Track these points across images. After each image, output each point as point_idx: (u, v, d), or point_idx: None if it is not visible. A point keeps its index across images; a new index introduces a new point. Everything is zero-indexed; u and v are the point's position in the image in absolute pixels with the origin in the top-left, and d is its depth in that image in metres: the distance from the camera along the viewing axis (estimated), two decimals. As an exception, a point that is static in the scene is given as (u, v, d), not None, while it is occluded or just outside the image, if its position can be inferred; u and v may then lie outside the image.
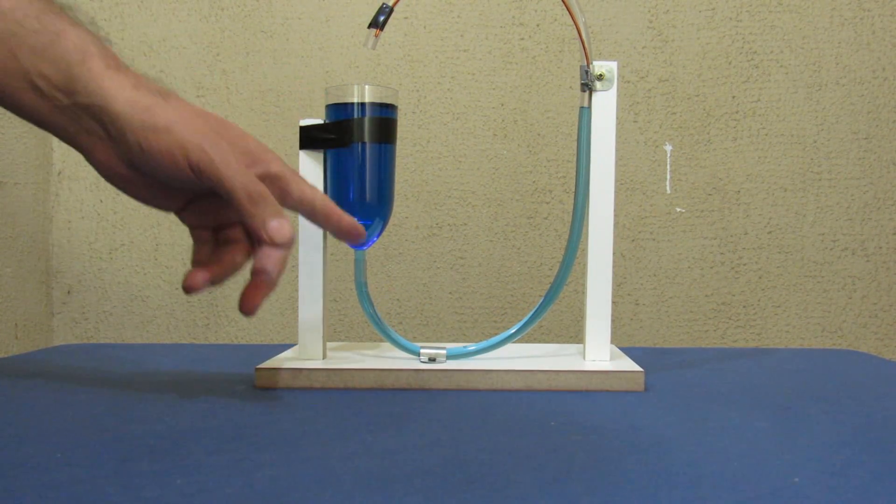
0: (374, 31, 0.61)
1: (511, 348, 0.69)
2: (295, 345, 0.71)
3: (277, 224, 0.49)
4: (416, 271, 0.99)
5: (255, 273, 0.51)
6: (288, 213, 0.52)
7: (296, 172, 0.53)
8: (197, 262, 0.53)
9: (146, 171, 0.49)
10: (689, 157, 0.98)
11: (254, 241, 0.52)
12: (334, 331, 0.99)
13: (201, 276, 0.50)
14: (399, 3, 0.61)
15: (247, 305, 0.50)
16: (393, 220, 0.98)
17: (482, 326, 0.99)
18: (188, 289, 0.50)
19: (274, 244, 0.49)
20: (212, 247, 0.53)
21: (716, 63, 0.97)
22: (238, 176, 0.48)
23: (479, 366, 0.63)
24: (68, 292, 1.01)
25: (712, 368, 0.72)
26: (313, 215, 0.53)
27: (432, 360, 0.64)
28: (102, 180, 0.53)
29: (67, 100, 0.48)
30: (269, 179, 0.51)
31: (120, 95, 0.48)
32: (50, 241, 1.00)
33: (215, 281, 0.51)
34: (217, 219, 0.53)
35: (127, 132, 0.48)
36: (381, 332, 0.65)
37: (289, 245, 0.49)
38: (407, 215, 0.98)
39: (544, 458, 0.43)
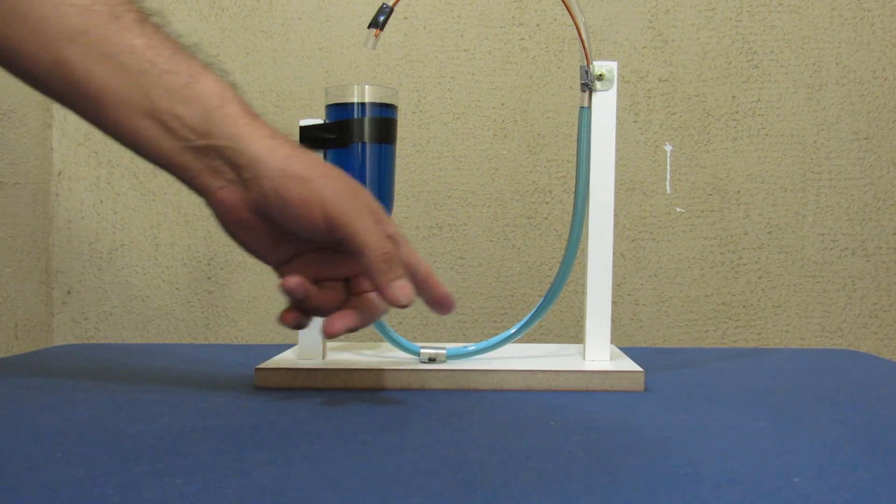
0: (374, 31, 0.61)
1: (511, 348, 0.69)
2: (295, 345, 0.71)
3: (402, 285, 0.50)
4: (416, 271, 0.99)
5: (354, 305, 0.52)
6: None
7: (405, 237, 0.54)
8: (283, 323, 0.53)
9: (274, 217, 0.50)
10: (689, 157, 0.98)
11: (352, 291, 0.54)
12: (334, 331, 0.99)
13: (296, 279, 0.50)
14: (399, 3, 0.61)
15: (331, 327, 0.51)
16: (393, 220, 0.98)
17: (482, 326, 0.99)
18: (284, 285, 0.50)
19: (396, 304, 0.50)
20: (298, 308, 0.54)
21: (716, 63, 0.97)
22: (372, 234, 0.49)
23: (479, 366, 0.63)
24: (68, 292, 1.01)
25: (712, 368, 0.72)
26: (413, 280, 0.53)
27: (432, 360, 0.64)
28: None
29: (201, 141, 0.49)
30: None
31: (259, 142, 0.49)
32: (50, 241, 1.00)
33: (305, 299, 0.51)
34: (317, 274, 0.53)
35: (264, 178, 0.48)
36: (381, 332, 0.65)
37: (407, 306, 0.50)
38: (407, 215, 0.98)
39: (544, 458, 0.43)
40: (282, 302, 1.02)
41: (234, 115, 0.49)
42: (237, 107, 0.49)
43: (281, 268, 0.53)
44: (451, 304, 0.54)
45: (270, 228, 0.51)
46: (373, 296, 0.52)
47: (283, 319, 0.52)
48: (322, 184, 0.49)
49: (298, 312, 0.52)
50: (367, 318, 0.52)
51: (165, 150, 0.49)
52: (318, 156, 0.51)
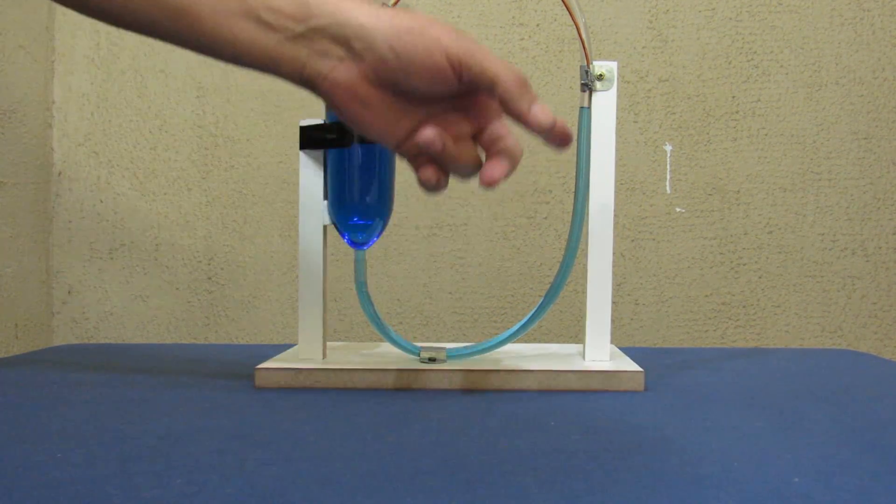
0: (374, 31, 0.61)
1: (511, 348, 0.69)
2: (295, 345, 0.71)
3: (541, 108, 0.50)
4: (415, 271, 0.99)
5: (495, 153, 0.51)
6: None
7: None
8: (424, 183, 0.52)
9: (397, 78, 0.49)
10: (689, 157, 0.98)
11: (485, 143, 0.52)
12: (334, 331, 0.99)
13: (432, 130, 0.50)
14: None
15: (490, 176, 0.50)
16: (393, 220, 0.98)
17: (482, 326, 0.99)
18: (420, 138, 0.50)
19: (540, 126, 0.50)
20: (435, 164, 0.53)
21: (716, 63, 0.97)
22: (500, 64, 0.49)
23: (479, 366, 0.63)
24: (68, 292, 1.01)
25: (712, 368, 0.72)
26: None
27: (432, 360, 0.64)
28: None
29: (301, 26, 0.48)
30: None
31: (361, 10, 0.49)
32: (50, 241, 1.00)
33: (443, 151, 0.50)
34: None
35: (378, 41, 0.48)
36: (381, 332, 0.65)
37: (550, 129, 0.50)
38: (407, 215, 0.98)
39: (544, 458, 0.43)
40: (283, 301, 1.02)
41: None
42: None
43: (402, 146, 0.52)
44: (570, 136, 0.53)
45: (391, 99, 0.50)
46: (508, 141, 0.52)
47: (422, 176, 0.51)
48: (437, 31, 0.49)
49: (436, 168, 0.51)
50: (513, 161, 0.52)
51: (268, 46, 0.49)
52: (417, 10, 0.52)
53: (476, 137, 0.53)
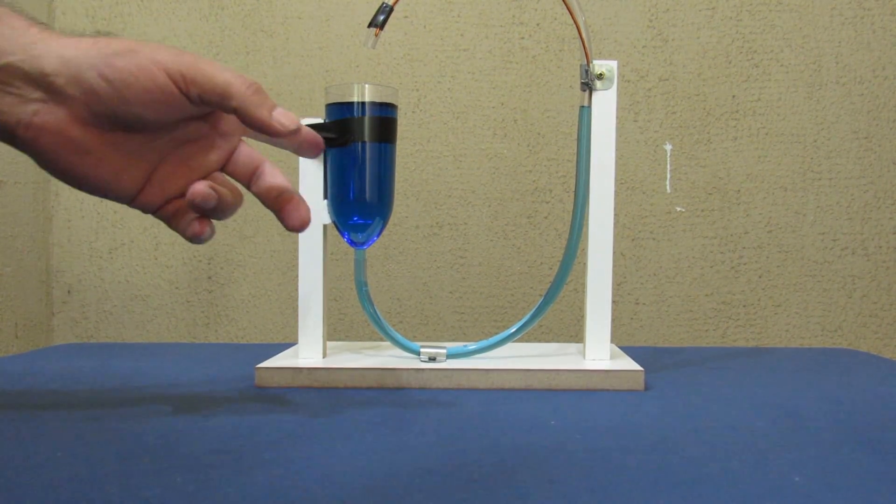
0: (374, 30, 0.61)
1: (511, 348, 0.69)
2: (295, 345, 0.71)
3: (282, 112, 0.45)
4: (416, 271, 0.99)
5: (281, 193, 0.47)
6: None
7: None
8: (197, 238, 0.48)
9: (117, 110, 0.43)
10: (689, 157, 0.98)
11: (241, 174, 0.48)
12: (334, 330, 0.99)
13: (202, 184, 0.45)
14: (399, 3, 0.61)
15: (299, 221, 0.47)
16: (393, 220, 0.98)
17: (482, 326, 0.99)
18: (193, 196, 0.45)
19: (284, 133, 0.45)
20: (190, 214, 0.48)
21: (716, 62, 0.97)
22: (229, 73, 0.44)
23: (479, 365, 0.63)
24: (68, 292, 1.01)
25: (712, 368, 0.72)
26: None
27: (432, 359, 0.64)
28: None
29: None
30: None
31: (60, 41, 0.42)
32: (50, 240, 1.00)
33: (219, 201, 0.46)
34: (190, 180, 0.47)
35: (84, 70, 0.42)
36: (382, 331, 0.65)
37: (297, 133, 0.46)
38: (407, 215, 0.98)
39: (544, 458, 0.43)
40: (283, 301, 1.02)
41: (19, 26, 0.42)
42: (20, 18, 0.43)
43: (140, 197, 0.46)
44: (320, 143, 0.49)
45: (115, 139, 0.44)
46: (266, 169, 0.48)
47: (194, 232, 0.47)
48: (150, 49, 0.43)
49: (204, 219, 0.47)
50: (294, 195, 0.48)
51: None
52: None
53: (224, 167, 0.48)
